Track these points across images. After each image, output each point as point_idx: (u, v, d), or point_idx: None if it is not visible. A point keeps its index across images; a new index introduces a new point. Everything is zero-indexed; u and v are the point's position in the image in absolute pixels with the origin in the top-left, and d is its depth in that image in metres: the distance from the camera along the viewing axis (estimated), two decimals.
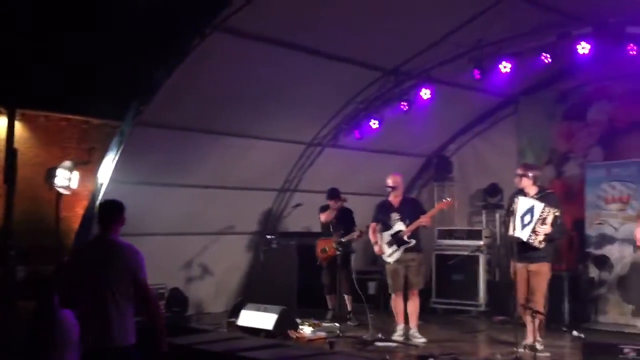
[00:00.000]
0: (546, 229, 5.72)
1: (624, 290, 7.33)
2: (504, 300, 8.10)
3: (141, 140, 7.03)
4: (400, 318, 6.55)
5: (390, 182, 6.73)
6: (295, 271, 8.18)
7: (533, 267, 5.88)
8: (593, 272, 7.63)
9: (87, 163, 9.00)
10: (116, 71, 9.09)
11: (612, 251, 7.51)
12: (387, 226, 6.63)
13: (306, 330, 6.66)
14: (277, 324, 6.42)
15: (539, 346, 5.74)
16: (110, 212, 4.01)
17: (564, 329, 5.97)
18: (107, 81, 9.21)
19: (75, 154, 9.97)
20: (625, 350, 4.40)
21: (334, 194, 7.88)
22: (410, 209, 6.65)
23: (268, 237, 8.47)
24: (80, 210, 8.58)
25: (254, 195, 8.76)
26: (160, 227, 7.75)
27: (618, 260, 7.44)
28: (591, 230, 7.69)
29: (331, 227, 7.68)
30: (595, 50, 6.48)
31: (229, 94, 7.22)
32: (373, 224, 6.77)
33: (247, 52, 6.66)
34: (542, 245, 5.78)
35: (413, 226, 6.46)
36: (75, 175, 7.97)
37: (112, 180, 7.05)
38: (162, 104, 6.77)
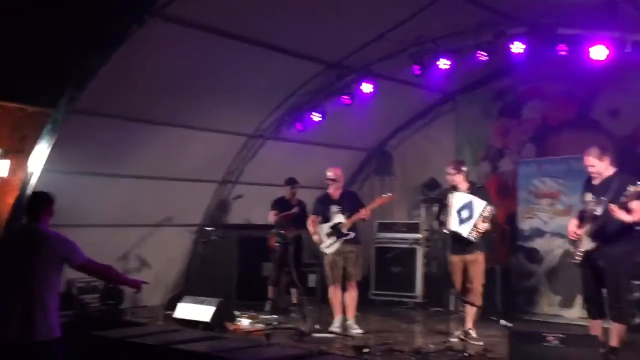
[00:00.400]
0: (485, 226, 5.95)
1: (552, 281, 7.63)
2: (440, 292, 8.33)
3: (76, 128, 6.83)
4: (337, 309, 6.61)
5: (330, 174, 6.78)
6: (235, 263, 8.15)
7: (470, 257, 6.08)
8: (524, 264, 7.92)
9: (21, 152, 8.66)
10: (52, 57, 8.77)
11: (542, 244, 7.80)
12: (326, 218, 6.68)
13: (244, 322, 6.64)
14: (215, 316, 6.38)
15: (473, 334, 5.98)
16: (38, 203, 3.90)
17: (494, 318, 6.20)
18: (42, 67, 8.86)
19: (8, 142, 9.57)
20: (549, 338, 4.57)
21: (292, 181, 7.90)
22: (350, 202, 6.71)
23: (208, 229, 8.39)
24: (10, 200, 8.26)
25: (194, 186, 8.66)
26: (95, 219, 7.57)
27: (547, 253, 7.73)
28: (523, 224, 7.97)
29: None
30: (529, 50, 6.69)
31: (169, 83, 7.10)
32: (313, 217, 6.82)
33: (187, 40, 6.56)
34: (476, 240, 6.00)
35: (353, 219, 6.53)
36: (6, 163, 7.65)
37: (46, 169, 6.82)
38: (98, 91, 6.59)
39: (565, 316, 7.40)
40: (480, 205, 5.94)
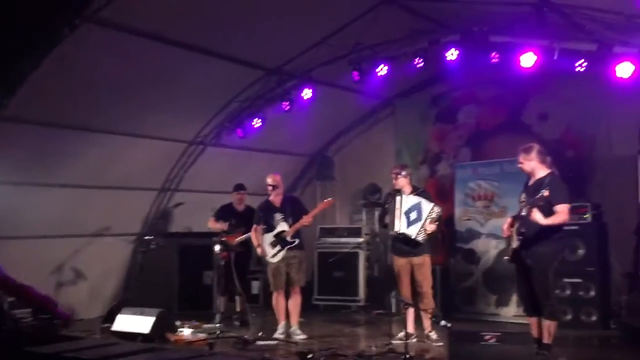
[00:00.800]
0: (433, 227, 6.10)
1: (489, 281, 7.88)
2: (382, 295, 8.44)
3: (5, 136, 6.56)
4: (281, 316, 6.60)
5: (270, 181, 6.76)
6: (176, 273, 8.01)
7: (417, 260, 6.20)
8: (462, 265, 8.14)
9: None
10: None
11: (478, 245, 8.04)
12: (270, 226, 6.66)
13: (186, 332, 6.53)
14: (155, 327, 6.24)
15: (434, 336, 6.14)
16: None
17: (434, 319, 6.33)
18: None
19: None
20: (487, 337, 4.71)
21: (239, 187, 7.80)
22: (293, 208, 6.72)
23: (147, 238, 8.19)
24: None
25: (132, 195, 8.45)
26: (27, 230, 7.26)
27: (484, 254, 7.98)
28: (460, 226, 8.20)
29: (231, 226, 7.49)
30: (462, 57, 6.89)
31: (105, 90, 6.90)
32: (255, 226, 6.74)
33: (125, 46, 6.41)
34: (423, 241, 6.13)
35: (296, 227, 6.54)
36: None
37: None
38: (30, 98, 6.34)
39: (502, 314, 7.66)
40: (428, 207, 6.10)
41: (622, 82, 6.33)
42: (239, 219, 7.55)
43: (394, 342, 5.73)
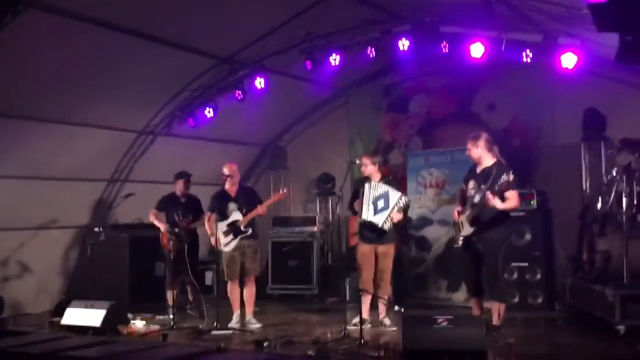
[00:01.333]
0: (399, 216, 6.18)
1: (440, 267, 8.05)
2: (336, 283, 8.52)
3: None
4: (236, 305, 6.59)
5: (226, 170, 6.72)
6: (127, 265, 7.85)
7: (382, 248, 6.26)
8: (415, 252, 8.29)
9: None
10: None
11: (430, 233, 8.21)
12: (223, 215, 6.62)
13: (138, 324, 6.43)
14: (106, 320, 6.12)
15: (387, 322, 6.23)
16: None
17: (387, 304, 6.44)
18: None
19: None
20: (439, 320, 4.83)
21: (181, 175, 7.61)
22: (247, 198, 6.70)
23: (96, 230, 8.01)
24: None
25: (81, 186, 8.22)
26: None
27: (435, 241, 8.15)
28: (412, 214, 8.33)
29: (176, 216, 7.24)
30: (414, 47, 6.98)
31: (52, 78, 6.70)
32: (209, 214, 6.72)
33: (68, 32, 6.21)
34: (390, 229, 6.20)
35: (250, 216, 6.53)
36: None
37: None
38: None
39: (453, 299, 7.85)
40: (395, 196, 6.16)
41: (566, 73, 6.56)
42: (184, 208, 7.35)
43: (349, 327, 5.79)
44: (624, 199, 5.96)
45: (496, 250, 5.46)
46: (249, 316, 6.58)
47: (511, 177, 5.12)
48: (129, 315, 6.69)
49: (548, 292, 7.28)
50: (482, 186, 5.44)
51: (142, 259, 8.11)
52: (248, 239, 6.56)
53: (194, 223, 7.32)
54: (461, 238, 5.61)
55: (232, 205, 6.63)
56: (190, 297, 7.56)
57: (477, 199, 5.41)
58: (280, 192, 6.80)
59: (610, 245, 6.06)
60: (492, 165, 5.56)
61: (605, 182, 6.47)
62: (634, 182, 5.99)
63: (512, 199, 5.32)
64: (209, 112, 8.17)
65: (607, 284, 5.82)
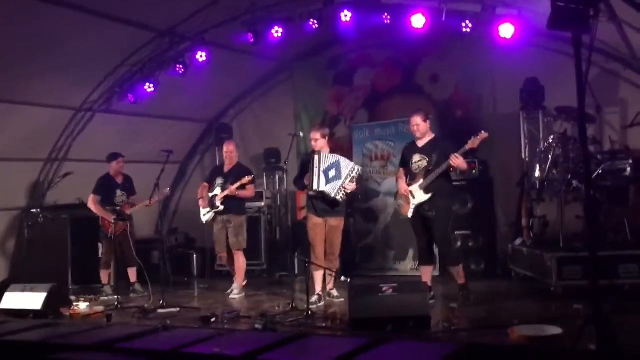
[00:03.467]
0: (353, 186, 6.16)
1: (386, 238, 8.17)
2: (285, 258, 8.52)
3: None
4: (232, 271, 7.16)
5: (226, 149, 7.21)
6: (67, 246, 7.64)
7: (333, 221, 6.25)
8: (361, 224, 8.37)
9: None
10: None
11: (376, 204, 8.30)
12: (212, 188, 7.07)
13: (82, 306, 6.26)
14: (47, 302, 5.94)
15: (335, 293, 6.32)
16: None
17: (335, 275, 6.49)
18: None
19: None
20: (384, 289, 4.91)
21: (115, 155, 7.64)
22: (236, 176, 6.94)
23: (34, 211, 7.73)
24: None
25: (16, 166, 7.93)
26: None
27: (382, 212, 8.24)
28: (359, 187, 8.38)
29: (116, 198, 7.50)
30: (356, 18, 6.96)
31: None
32: (204, 184, 7.27)
33: (1, 6, 5.90)
34: (342, 200, 6.19)
35: (223, 194, 6.88)
36: None
37: None
38: None
39: (399, 269, 8.00)
40: (348, 166, 6.14)
41: (505, 43, 6.69)
42: (121, 189, 7.58)
43: (312, 306, 5.76)
44: (560, 166, 6.15)
45: (446, 216, 5.81)
46: (234, 286, 6.96)
47: (480, 138, 5.54)
48: (72, 297, 6.52)
49: (490, 258, 7.51)
50: (434, 155, 5.69)
51: (84, 239, 7.91)
52: (227, 214, 6.91)
53: (133, 206, 7.49)
54: (412, 207, 5.75)
55: (219, 180, 7.02)
56: (132, 279, 7.46)
57: (432, 166, 5.64)
58: (246, 178, 6.88)
59: (548, 211, 6.27)
60: (435, 137, 5.96)
61: (543, 149, 6.65)
62: (570, 149, 6.18)
63: (464, 163, 5.69)
64: (149, 87, 7.95)
65: (544, 248, 6.04)
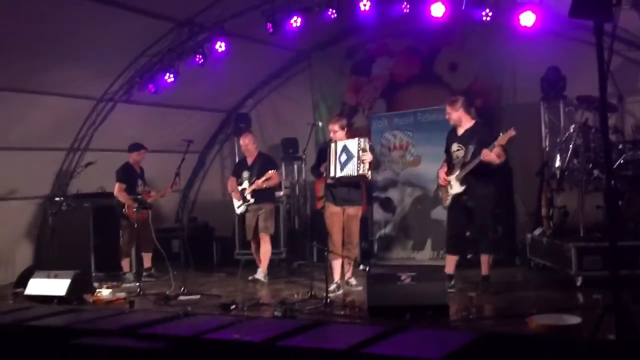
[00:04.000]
0: (368, 155, 6.11)
1: (405, 228, 8.17)
2: (303, 247, 8.58)
3: None
4: (258, 261, 7.32)
5: (241, 142, 7.42)
6: (90, 234, 7.76)
7: (351, 210, 6.27)
8: (380, 213, 8.39)
9: None
10: None
11: (395, 194, 8.30)
12: (240, 180, 7.32)
13: (104, 292, 6.38)
14: (70, 289, 6.07)
15: (354, 281, 6.33)
16: None
17: (353, 264, 6.52)
18: None
19: None
20: (403, 277, 4.94)
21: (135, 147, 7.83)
22: (261, 167, 7.16)
23: (57, 199, 7.87)
24: None
25: (40, 155, 8.07)
26: None
27: (400, 202, 8.25)
28: (377, 176, 8.38)
29: (139, 187, 7.75)
30: (375, 7, 6.93)
31: (6, 45, 6.48)
32: (232, 178, 7.49)
33: None
34: (369, 175, 6.18)
35: (251, 187, 7.13)
36: None
37: None
38: None
39: (417, 258, 7.99)
40: (354, 143, 6.15)
41: (525, 32, 6.62)
42: (140, 178, 7.84)
43: (330, 295, 5.81)
44: (580, 155, 6.10)
45: (487, 205, 5.84)
46: (259, 269, 7.17)
47: (513, 132, 5.45)
48: (95, 284, 6.64)
49: (509, 248, 7.48)
50: (470, 146, 5.69)
51: (106, 228, 8.03)
52: (258, 203, 7.15)
53: (153, 195, 7.80)
54: (449, 197, 5.76)
55: (245, 174, 7.24)
56: (146, 264, 7.71)
57: (469, 157, 5.65)
58: (270, 172, 7.11)
59: (568, 201, 6.22)
60: (473, 125, 5.86)
61: (563, 139, 6.60)
62: (590, 138, 6.12)
63: (501, 154, 5.63)
64: (169, 77, 8.01)
65: (564, 238, 6.01)
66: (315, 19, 7.25)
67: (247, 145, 7.34)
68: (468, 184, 5.70)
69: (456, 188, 5.78)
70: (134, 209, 7.21)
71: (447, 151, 6.00)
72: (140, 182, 7.78)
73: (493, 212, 6.04)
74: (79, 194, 8.32)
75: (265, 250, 7.22)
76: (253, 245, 7.37)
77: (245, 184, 7.22)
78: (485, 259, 5.83)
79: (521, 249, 7.43)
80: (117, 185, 7.63)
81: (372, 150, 6.26)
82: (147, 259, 7.75)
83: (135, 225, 7.27)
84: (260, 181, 7.06)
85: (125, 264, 7.63)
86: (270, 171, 7.10)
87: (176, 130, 8.89)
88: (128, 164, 7.78)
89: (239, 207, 7.34)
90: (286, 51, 9.23)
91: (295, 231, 9.12)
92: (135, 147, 7.79)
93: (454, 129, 5.95)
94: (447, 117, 5.92)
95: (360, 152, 6.11)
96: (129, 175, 7.71)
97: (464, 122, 5.85)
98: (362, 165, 6.11)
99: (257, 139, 9.86)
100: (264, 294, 6.35)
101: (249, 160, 7.36)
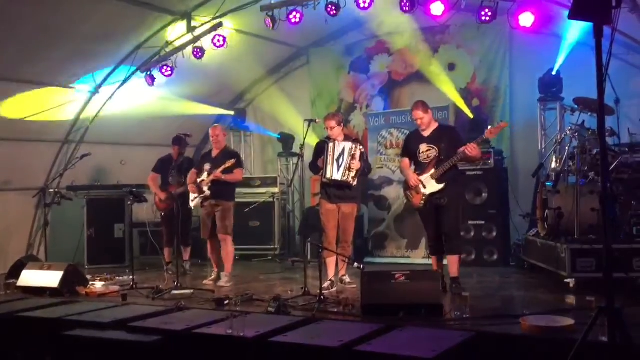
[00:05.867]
0: (357, 163, 6.07)
1: (399, 226, 8.18)
2: (297, 243, 8.58)
3: None
4: (213, 263, 6.94)
5: (211, 133, 6.91)
6: (85, 226, 7.73)
7: (346, 208, 6.24)
8: (375, 212, 8.39)
9: None
10: None
11: (390, 192, 8.30)
12: (200, 175, 6.84)
13: (97, 285, 6.36)
14: (63, 281, 6.04)
15: (348, 279, 6.34)
16: None
17: (348, 262, 6.52)
18: None
19: None
20: (397, 276, 4.93)
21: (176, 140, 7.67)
22: (222, 161, 6.69)
23: (52, 191, 7.84)
24: None
25: (35, 147, 8.05)
26: None
27: (395, 201, 8.25)
28: (373, 174, 8.39)
29: (170, 177, 7.51)
30: (375, 5, 6.91)
31: (5, 35, 6.45)
32: (192, 170, 6.98)
33: None
34: (355, 182, 6.14)
35: (209, 179, 6.66)
36: None
37: None
38: None
39: (412, 257, 8.00)
40: (348, 147, 6.10)
41: (524, 32, 6.63)
42: (178, 170, 7.54)
43: (324, 286, 5.79)
44: (576, 157, 6.11)
45: (459, 203, 5.88)
46: (222, 274, 6.76)
47: (502, 124, 5.79)
48: (88, 277, 6.62)
49: (503, 249, 7.49)
50: (443, 145, 5.68)
51: (101, 220, 8.02)
52: (215, 199, 6.69)
53: (178, 188, 7.40)
54: (424, 197, 5.74)
55: (207, 166, 6.77)
56: (185, 257, 7.64)
57: (443, 156, 5.67)
58: (230, 161, 6.63)
59: (563, 203, 6.23)
60: (439, 126, 5.95)
61: (559, 140, 6.61)
62: (587, 141, 6.13)
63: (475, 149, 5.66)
64: (167, 70, 7.98)
65: (558, 240, 6.02)
66: (314, 15, 7.22)
67: (218, 136, 6.88)
68: (445, 181, 5.70)
69: (432, 187, 5.72)
70: (160, 199, 7.31)
71: (410, 155, 5.96)
72: (174, 173, 7.48)
73: (463, 211, 6.14)
74: (73, 186, 8.29)
75: (227, 252, 6.78)
76: (209, 246, 6.92)
77: (204, 176, 6.74)
78: (455, 260, 5.78)
79: (515, 249, 7.45)
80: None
81: (362, 157, 6.15)
82: (184, 252, 7.64)
83: (162, 215, 7.37)
84: (219, 171, 6.56)
85: (167, 252, 7.54)
86: (231, 160, 6.61)
87: (173, 125, 8.86)
88: (168, 155, 7.67)
89: (193, 200, 6.85)
90: (284, 47, 9.21)
91: (290, 227, 9.12)
92: (173, 140, 7.70)
93: (416, 132, 5.94)
94: (419, 121, 5.81)
95: (349, 158, 6.06)
96: (162, 167, 7.60)
97: (432, 124, 5.87)
98: (347, 173, 6.08)
99: (253, 134, 9.95)
100: (257, 290, 6.32)
101: (214, 153, 6.92)
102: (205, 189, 6.67)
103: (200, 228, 6.96)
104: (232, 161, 6.62)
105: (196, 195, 6.78)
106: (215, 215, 6.73)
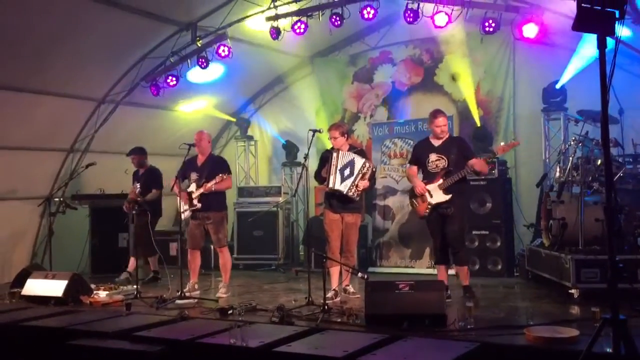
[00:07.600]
0: (365, 183, 6.07)
1: (403, 236, 8.17)
2: (301, 253, 8.58)
3: None
4: (192, 274, 6.69)
5: (196, 138, 6.61)
6: (89, 235, 7.75)
7: (349, 218, 6.21)
8: (379, 221, 8.38)
9: None
10: None
11: (394, 202, 8.30)
12: (187, 184, 6.56)
13: (101, 294, 6.37)
14: (67, 290, 6.04)
15: (351, 289, 6.34)
16: None
17: (351, 271, 6.50)
18: None
19: None
20: (401, 286, 4.92)
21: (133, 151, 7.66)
22: (212, 170, 6.46)
23: (57, 200, 7.87)
24: None
25: (40, 156, 8.08)
26: None
27: (399, 210, 8.24)
28: (377, 184, 8.39)
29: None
30: (379, 16, 6.97)
31: (9, 44, 6.49)
32: (175, 179, 6.55)
33: None
34: (358, 197, 6.14)
35: (199, 191, 6.40)
36: None
37: None
38: None
39: (415, 267, 7.98)
40: (360, 163, 6.07)
41: (527, 43, 6.65)
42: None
43: (329, 296, 5.80)
44: (580, 168, 6.11)
45: (463, 214, 5.93)
46: (220, 284, 6.67)
47: (514, 142, 5.93)
48: (92, 286, 6.63)
49: (507, 258, 7.48)
50: (452, 156, 5.76)
51: (105, 229, 8.03)
52: (206, 211, 6.45)
53: (143, 196, 7.41)
54: (429, 205, 5.76)
55: (193, 175, 6.52)
56: (152, 267, 7.61)
57: (452, 167, 5.71)
58: (220, 176, 6.32)
59: (567, 213, 6.22)
60: (450, 137, 5.99)
61: (563, 151, 6.61)
62: (590, 151, 6.13)
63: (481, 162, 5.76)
64: (172, 80, 8.03)
65: (562, 250, 6.00)
66: (318, 25, 7.27)
67: (201, 141, 6.55)
68: (451, 192, 5.74)
69: (439, 197, 5.77)
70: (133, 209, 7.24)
71: (419, 163, 5.99)
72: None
73: (468, 221, 6.18)
74: (78, 195, 8.32)
75: (224, 262, 6.64)
76: (190, 255, 6.64)
77: (193, 187, 6.42)
78: (461, 270, 5.89)
79: (520, 259, 7.43)
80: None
81: (372, 177, 6.14)
82: (152, 263, 7.65)
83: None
84: (209, 184, 6.30)
85: (131, 262, 7.59)
86: (221, 175, 6.29)
87: (177, 134, 8.90)
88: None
89: (184, 211, 6.50)
90: (289, 57, 9.26)
91: (294, 237, 9.12)
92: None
93: (427, 141, 5.97)
94: (441, 129, 5.84)
95: (360, 176, 6.04)
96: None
97: (446, 134, 5.93)
98: (354, 188, 6.06)
99: (257, 143, 9.98)
100: (261, 300, 6.32)
101: (199, 161, 6.62)
102: (196, 202, 6.40)
103: (187, 238, 6.63)
104: (223, 176, 6.30)
105: (186, 207, 6.46)
106: (208, 227, 6.52)
